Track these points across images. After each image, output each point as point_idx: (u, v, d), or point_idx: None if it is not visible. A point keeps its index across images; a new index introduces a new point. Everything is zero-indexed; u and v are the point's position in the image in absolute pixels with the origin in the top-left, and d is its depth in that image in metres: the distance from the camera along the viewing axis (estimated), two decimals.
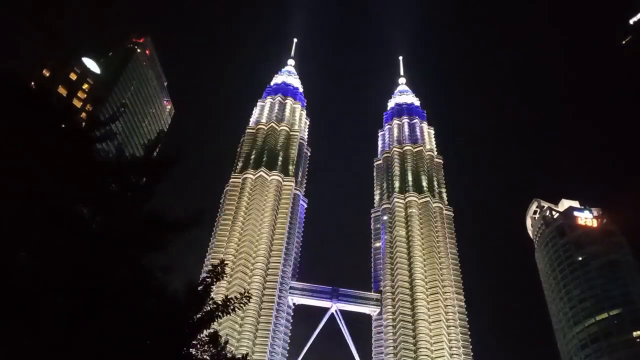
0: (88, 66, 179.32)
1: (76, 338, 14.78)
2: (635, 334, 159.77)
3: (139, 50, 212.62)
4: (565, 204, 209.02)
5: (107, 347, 15.12)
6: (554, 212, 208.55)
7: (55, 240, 15.42)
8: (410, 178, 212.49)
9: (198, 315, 18.40)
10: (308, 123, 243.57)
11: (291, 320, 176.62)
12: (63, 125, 18.96)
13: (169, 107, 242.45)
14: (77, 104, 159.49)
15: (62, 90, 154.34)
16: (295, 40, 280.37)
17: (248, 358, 21.60)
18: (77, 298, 15.16)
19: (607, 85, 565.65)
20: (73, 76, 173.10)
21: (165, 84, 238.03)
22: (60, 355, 14.63)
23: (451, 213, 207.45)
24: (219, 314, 18.74)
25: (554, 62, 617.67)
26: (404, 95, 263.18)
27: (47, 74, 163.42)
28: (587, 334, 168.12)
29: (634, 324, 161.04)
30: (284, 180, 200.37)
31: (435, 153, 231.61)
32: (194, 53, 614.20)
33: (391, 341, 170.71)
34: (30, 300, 14.22)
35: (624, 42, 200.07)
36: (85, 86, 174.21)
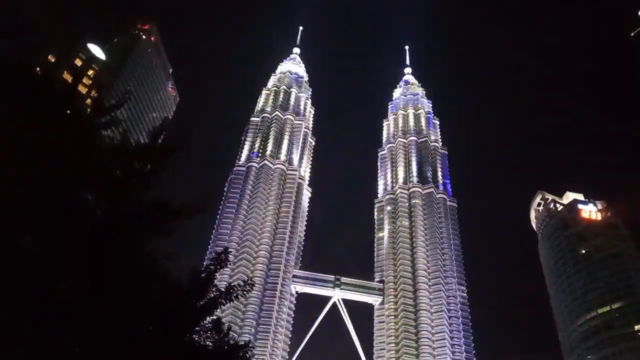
0: (93, 52, 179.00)
1: (79, 323, 14.87)
2: (637, 327, 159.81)
3: (144, 37, 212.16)
4: (569, 196, 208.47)
5: (109, 332, 15.21)
6: (558, 205, 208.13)
7: (59, 226, 15.47)
8: (414, 169, 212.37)
9: (201, 302, 18.49)
10: (313, 112, 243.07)
11: (293, 308, 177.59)
12: (68, 111, 18.96)
13: (174, 94, 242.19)
14: (82, 89, 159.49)
15: (67, 76, 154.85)
16: (300, 28, 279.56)
17: (250, 345, 21.69)
18: (80, 283, 15.23)
19: (613, 78, 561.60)
20: (78, 62, 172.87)
21: (170, 71, 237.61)
22: (63, 339, 14.72)
23: (455, 204, 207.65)
24: (222, 301, 18.83)
25: (560, 54, 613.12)
26: (409, 85, 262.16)
27: (53, 60, 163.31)
28: (589, 326, 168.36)
29: (636, 317, 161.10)
30: (288, 169, 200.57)
31: (440, 144, 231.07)
32: (200, 40, 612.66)
33: (393, 330, 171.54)
34: (34, 285, 14.31)
35: (633, 34, 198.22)
36: (90, 72, 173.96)
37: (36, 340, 14.27)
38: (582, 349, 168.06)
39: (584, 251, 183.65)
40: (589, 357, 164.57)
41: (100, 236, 16.01)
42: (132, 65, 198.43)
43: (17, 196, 14.88)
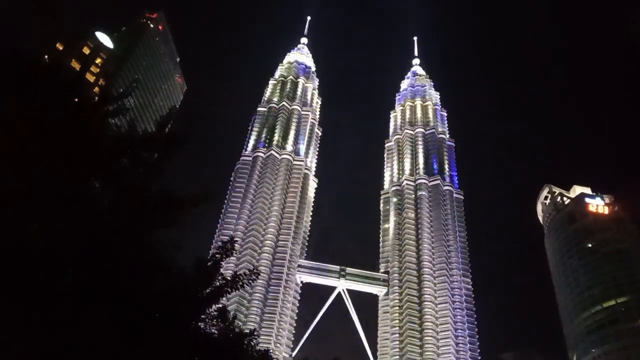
0: (101, 40, 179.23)
1: (85, 312, 14.96)
2: None
3: (152, 26, 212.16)
4: (576, 190, 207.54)
5: (116, 320, 15.32)
6: (565, 198, 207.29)
7: (66, 215, 15.53)
8: (421, 160, 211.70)
9: (207, 291, 18.58)
10: (320, 102, 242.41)
11: (298, 298, 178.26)
12: (76, 99, 19.02)
13: (181, 83, 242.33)
14: (90, 78, 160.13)
15: (75, 64, 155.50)
16: (308, 18, 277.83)
17: (255, 333, 21.83)
18: (87, 273, 15.32)
19: (622, 72, 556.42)
20: (86, 50, 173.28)
21: (178, 59, 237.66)
22: (69, 330, 14.80)
23: (461, 196, 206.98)
24: (228, 289, 18.91)
25: (569, 48, 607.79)
26: (417, 76, 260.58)
27: (61, 48, 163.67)
28: (594, 320, 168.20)
29: None
30: (294, 160, 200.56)
31: (448, 136, 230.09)
32: (207, 29, 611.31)
33: (397, 321, 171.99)
34: (40, 276, 14.38)
35: None
36: (98, 60, 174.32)
37: (43, 332, 14.31)
38: (586, 342, 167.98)
39: (590, 245, 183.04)
40: (593, 350, 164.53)
41: (107, 226, 16.09)
42: (139, 54, 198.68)
43: (24, 186, 14.95)
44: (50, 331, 14.40)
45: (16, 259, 14.07)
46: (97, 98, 20.10)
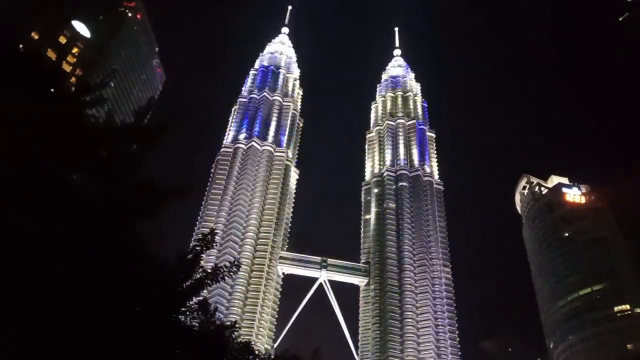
0: (78, 30, 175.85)
1: (68, 304, 14.80)
2: (617, 308, 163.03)
3: (130, 15, 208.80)
4: (554, 180, 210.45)
5: (97, 312, 15.18)
6: (542, 188, 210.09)
7: (49, 207, 15.30)
8: (402, 151, 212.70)
9: (188, 283, 18.50)
10: (301, 93, 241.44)
11: (280, 290, 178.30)
12: (52, 90, 18.69)
13: (160, 73, 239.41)
14: (67, 68, 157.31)
15: (51, 54, 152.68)
16: (289, 7, 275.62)
17: (237, 326, 21.83)
18: (70, 264, 15.13)
19: (599, 63, 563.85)
20: (63, 40, 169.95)
21: (157, 49, 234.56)
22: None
23: (441, 187, 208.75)
24: (209, 281, 18.86)
25: (547, 40, 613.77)
26: (398, 67, 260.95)
27: (36, 37, 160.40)
28: (570, 307, 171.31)
29: (616, 299, 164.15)
30: (275, 151, 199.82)
31: (428, 127, 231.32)
32: (187, 19, 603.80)
33: (378, 311, 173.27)
34: (28, 267, 14.18)
35: (620, 19, 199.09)
36: (75, 50, 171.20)
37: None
38: (563, 330, 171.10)
39: (567, 234, 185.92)
40: (570, 337, 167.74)
41: (88, 217, 15.88)
42: (117, 44, 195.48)
43: (5, 177, 14.68)
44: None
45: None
46: (74, 88, 19.76)
